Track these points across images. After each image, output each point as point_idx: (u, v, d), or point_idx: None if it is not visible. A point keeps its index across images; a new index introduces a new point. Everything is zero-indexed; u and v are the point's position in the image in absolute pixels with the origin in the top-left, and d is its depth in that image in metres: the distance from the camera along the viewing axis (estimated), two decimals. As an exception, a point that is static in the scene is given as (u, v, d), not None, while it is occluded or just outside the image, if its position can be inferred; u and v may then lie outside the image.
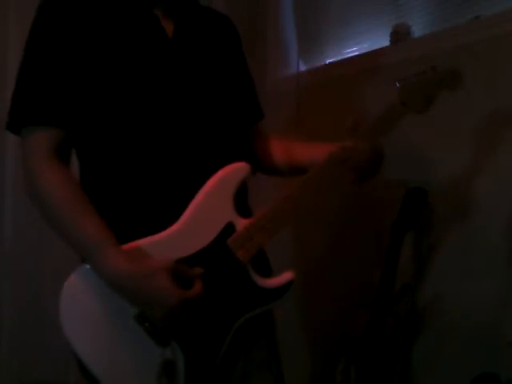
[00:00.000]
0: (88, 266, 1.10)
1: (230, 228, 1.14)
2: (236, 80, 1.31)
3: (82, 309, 1.10)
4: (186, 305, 1.05)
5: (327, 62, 2.29)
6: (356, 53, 2.16)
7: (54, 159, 1.12)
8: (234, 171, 1.16)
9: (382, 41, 2.03)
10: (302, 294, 2.20)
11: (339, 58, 2.23)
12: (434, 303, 1.71)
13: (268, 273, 1.22)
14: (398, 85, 1.24)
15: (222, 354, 1.13)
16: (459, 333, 1.65)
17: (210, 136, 1.19)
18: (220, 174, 1.15)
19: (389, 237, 1.68)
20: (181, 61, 1.20)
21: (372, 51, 2.05)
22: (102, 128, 1.15)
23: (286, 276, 1.16)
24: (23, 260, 1.99)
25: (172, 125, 1.16)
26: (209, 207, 1.13)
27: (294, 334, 2.24)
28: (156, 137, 1.15)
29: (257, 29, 2.50)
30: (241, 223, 1.14)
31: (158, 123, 1.15)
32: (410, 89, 1.24)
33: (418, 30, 1.94)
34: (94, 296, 1.09)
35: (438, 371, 1.69)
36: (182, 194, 1.13)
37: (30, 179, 1.12)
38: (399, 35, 1.94)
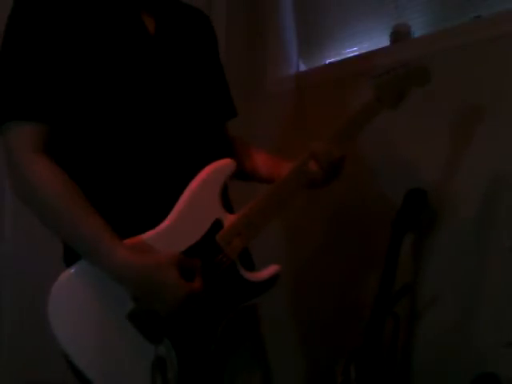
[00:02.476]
0: (73, 270, 1.09)
1: (217, 224, 1.15)
2: (212, 76, 1.31)
3: (71, 312, 1.09)
4: (191, 297, 1.06)
5: (327, 62, 2.29)
6: (356, 53, 2.16)
7: (41, 153, 1.09)
8: (220, 168, 1.17)
9: (382, 41, 2.03)
10: (301, 295, 2.21)
11: (339, 58, 2.23)
12: (433, 303, 1.71)
13: (251, 267, 1.23)
14: (372, 81, 1.28)
15: (213, 348, 1.14)
16: (459, 333, 1.65)
17: (193, 131, 1.19)
18: (206, 171, 1.15)
19: (389, 237, 1.68)
20: (163, 57, 1.20)
21: (372, 51, 2.05)
22: (84, 124, 1.13)
23: (272, 269, 1.18)
24: (23, 260, 1.99)
25: (155, 120, 1.15)
26: (197, 204, 1.14)
27: (294, 334, 2.24)
28: (139, 133, 1.14)
29: (257, 29, 2.50)
30: (228, 219, 1.16)
31: (140, 119, 1.14)
32: (383, 85, 1.28)
33: (417, 30, 1.94)
34: (83, 298, 1.09)
35: (438, 371, 1.69)
36: (168, 192, 1.14)
37: (18, 174, 1.09)
38: (399, 35, 1.94)
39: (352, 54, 2.18)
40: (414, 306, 1.75)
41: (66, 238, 1.11)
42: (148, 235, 1.10)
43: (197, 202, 1.14)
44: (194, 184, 1.14)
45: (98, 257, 1.06)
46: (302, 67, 2.43)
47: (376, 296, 1.65)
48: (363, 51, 2.11)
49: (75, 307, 1.09)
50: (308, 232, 2.21)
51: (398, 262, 1.64)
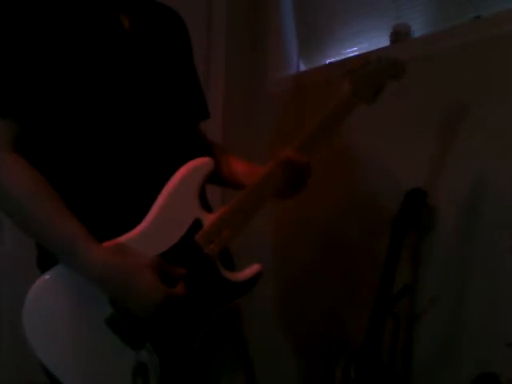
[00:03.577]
0: (48, 276, 1.07)
1: (197, 224, 1.12)
2: (184, 74, 1.30)
3: (47, 319, 1.07)
4: (170, 303, 1.04)
5: (327, 61, 2.30)
6: (356, 53, 2.16)
7: (11, 151, 1.06)
8: (198, 167, 1.14)
9: (382, 41, 2.03)
10: (300, 295, 2.20)
11: (339, 58, 2.23)
12: (433, 303, 1.71)
13: (232, 267, 1.21)
14: (347, 77, 1.27)
15: (196, 350, 1.12)
16: (459, 333, 1.65)
17: (166, 129, 1.18)
18: (183, 170, 1.13)
19: (389, 237, 1.68)
20: (137, 52, 1.18)
21: (372, 51, 2.05)
22: (57, 122, 1.11)
23: (253, 269, 1.16)
24: (23, 260, 1.99)
25: (129, 117, 1.13)
26: (175, 205, 1.11)
27: (294, 334, 2.24)
28: (114, 131, 1.12)
29: (257, 29, 2.50)
30: (208, 218, 1.13)
31: (115, 115, 1.12)
32: (359, 80, 1.26)
33: (417, 29, 1.94)
34: (59, 305, 1.07)
35: (438, 371, 1.69)
36: (144, 193, 1.11)
37: None
38: (399, 35, 1.94)
39: (352, 54, 2.18)
40: (413, 306, 1.75)
41: (41, 238, 1.08)
42: (125, 237, 1.07)
43: (175, 202, 1.11)
44: (171, 184, 1.11)
45: (75, 256, 1.03)
46: (302, 67, 2.43)
47: (376, 296, 1.65)
48: (363, 51, 2.11)
49: (51, 314, 1.07)
50: (307, 232, 2.20)
51: (398, 262, 1.64)
